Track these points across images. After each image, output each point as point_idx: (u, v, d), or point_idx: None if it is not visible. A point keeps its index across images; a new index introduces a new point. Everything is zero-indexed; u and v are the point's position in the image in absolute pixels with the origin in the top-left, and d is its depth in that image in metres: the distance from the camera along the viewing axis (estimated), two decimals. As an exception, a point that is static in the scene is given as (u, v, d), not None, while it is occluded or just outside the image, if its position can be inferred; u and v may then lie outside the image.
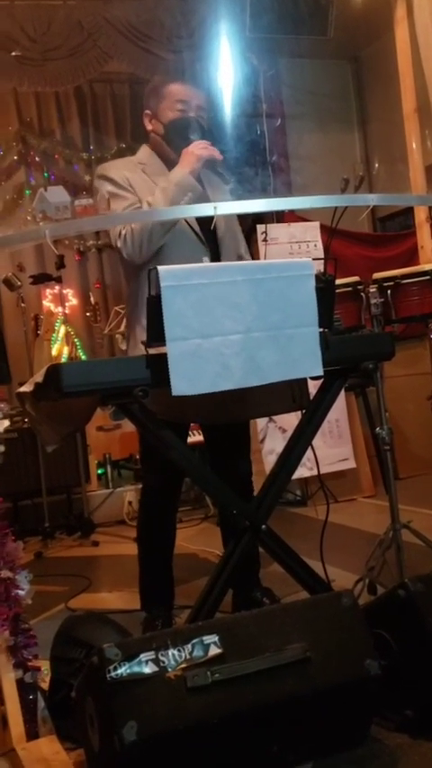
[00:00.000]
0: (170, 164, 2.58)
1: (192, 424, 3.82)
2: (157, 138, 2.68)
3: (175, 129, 2.60)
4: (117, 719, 1.55)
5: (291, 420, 3.69)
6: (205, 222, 2.57)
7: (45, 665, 2.05)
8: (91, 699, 1.67)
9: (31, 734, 1.91)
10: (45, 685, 2.03)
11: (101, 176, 2.62)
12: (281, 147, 6.07)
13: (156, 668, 1.61)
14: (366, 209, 2.18)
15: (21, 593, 1.99)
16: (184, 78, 2.66)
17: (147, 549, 2.73)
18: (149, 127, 2.70)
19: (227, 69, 2.67)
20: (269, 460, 4.42)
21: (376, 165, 6.41)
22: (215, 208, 1.93)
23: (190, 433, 4.32)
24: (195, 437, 4.38)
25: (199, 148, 2.50)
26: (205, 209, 2.01)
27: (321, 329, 1.96)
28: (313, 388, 2.18)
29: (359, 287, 2.86)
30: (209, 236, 2.59)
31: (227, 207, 2.11)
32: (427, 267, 2.87)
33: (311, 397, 2.20)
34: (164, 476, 2.58)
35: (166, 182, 2.49)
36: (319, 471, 2.45)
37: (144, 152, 2.72)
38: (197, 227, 2.56)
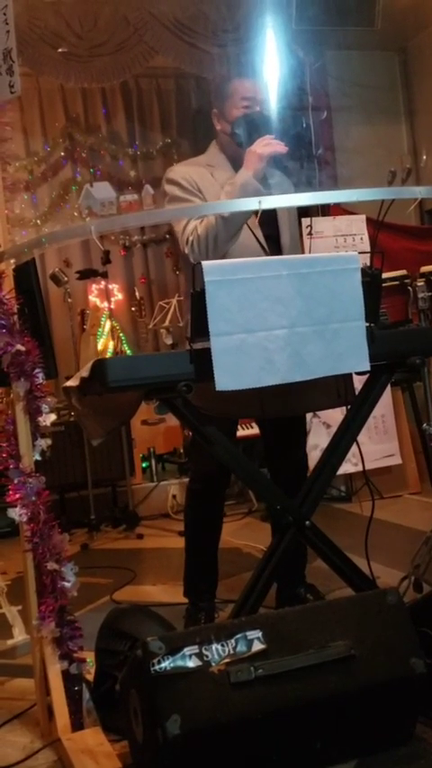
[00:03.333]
0: (238, 163, 2.54)
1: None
2: (225, 138, 2.65)
3: (240, 127, 2.56)
4: (161, 713, 1.56)
5: (335, 415, 3.66)
6: (269, 233, 2.57)
7: (90, 657, 2.08)
8: (135, 692, 1.68)
9: (76, 725, 1.93)
10: (90, 677, 2.05)
11: (169, 180, 2.61)
12: (327, 140, 6.02)
13: (199, 662, 1.62)
14: (414, 202, 2.14)
15: (67, 584, 2.01)
16: (246, 72, 2.62)
17: (193, 541, 2.74)
18: (218, 126, 2.67)
19: (272, 62, 2.64)
20: (313, 456, 4.38)
21: (424, 158, 6.31)
22: (260, 202, 1.91)
23: (242, 426, 4.33)
24: (249, 430, 4.39)
25: (261, 146, 2.46)
26: (249, 204, 2.00)
27: (367, 324, 1.94)
28: (359, 383, 2.16)
29: (406, 281, 2.82)
30: (271, 247, 2.57)
31: (272, 201, 2.09)
32: None
33: (357, 393, 2.18)
34: (211, 466, 2.59)
35: (231, 185, 2.47)
36: (364, 467, 2.43)
37: (212, 151, 2.70)
38: (262, 239, 2.54)
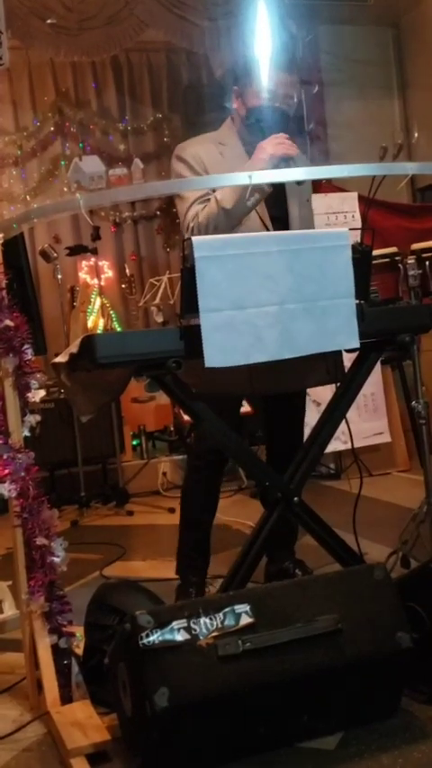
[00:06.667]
0: (249, 146, 2.50)
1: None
2: (239, 118, 2.60)
3: (255, 117, 2.50)
4: (149, 686, 1.57)
5: (325, 393, 3.67)
6: (276, 214, 2.54)
7: (79, 632, 2.09)
8: (123, 665, 1.69)
9: (66, 698, 1.94)
10: (79, 651, 2.06)
11: (179, 158, 2.56)
12: (318, 115, 5.97)
13: (187, 636, 1.63)
14: (405, 179, 2.13)
15: (56, 560, 2.02)
16: (281, 63, 2.52)
17: (188, 517, 2.74)
18: (234, 104, 2.61)
19: (264, 36, 2.60)
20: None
21: (416, 134, 6.28)
22: (250, 177, 1.90)
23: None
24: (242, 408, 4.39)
25: (272, 145, 2.40)
26: (239, 178, 1.99)
27: (357, 301, 1.94)
28: (348, 360, 2.16)
29: (397, 258, 2.82)
30: (279, 229, 2.53)
31: (262, 176, 2.08)
32: (466, 238, 2.81)
33: (346, 370, 2.18)
34: (212, 446, 2.59)
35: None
36: (353, 445, 2.43)
37: (226, 128, 2.64)
38: (267, 219, 2.50)
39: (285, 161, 2.42)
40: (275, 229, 2.52)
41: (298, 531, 2.73)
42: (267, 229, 2.50)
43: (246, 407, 4.03)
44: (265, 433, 2.79)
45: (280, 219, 2.56)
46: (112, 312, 5.47)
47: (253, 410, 4.35)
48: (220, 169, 2.48)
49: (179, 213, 2.56)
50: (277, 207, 2.54)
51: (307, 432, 2.45)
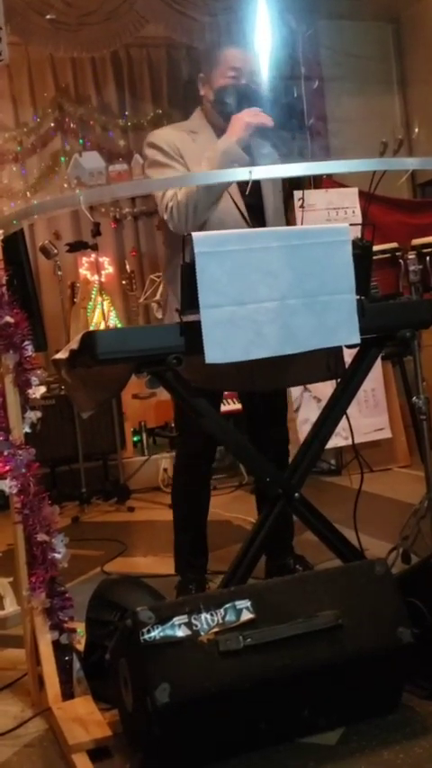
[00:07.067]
0: (221, 132, 2.50)
1: (229, 393, 3.82)
2: (208, 105, 2.61)
3: (224, 96, 2.51)
4: (150, 681, 1.57)
5: (326, 389, 3.67)
6: (252, 202, 2.54)
7: (80, 628, 2.09)
8: (125, 661, 1.69)
9: (67, 694, 1.95)
10: (80, 647, 2.06)
11: (150, 144, 2.57)
12: (319, 110, 5.95)
13: (188, 632, 1.63)
14: (405, 174, 2.13)
15: (57, 556, 2.02)
16: (239, 42, 2.56)
17: (181, 513, 2.75)
18: (201, 92, 2.62)
19: (264, 31, 2.60)
20: (303, 430, 4.40)
21: (416, 129, 6.26)
22: (250, 172, 1.90)
23: (227, 401, 4.33)
24: (232, 405, 4.39)
25: (249, 115, 2.42)
26: (240, 174, 1.98)
27: (358, 296, 1.93)
28: (349, 356, 2.16)
29: (397, 253, 2.81)
30: (255, 216, 2.55)
31: (263, 171, 2.07)
32: (467, 233, 2.81)
33: (347, 366, 2.18)
34: (198, 441, 2.59)
35: (213, 150, 2.43)
36: (353, 441, 2.43)
37: (196, 117, 2.66)
38: (243, 208, 2.51)
39: (263, 132, 2.42)
40: (251, 217, 2.52)
41: (294, 527, 2.73)
42: (243, 217, 2.50)
43: (237, 405, 4.01)
44: (248, 432, 2.76)
45: (256, 207, 2.56)
46: (112, 309, 5.46)
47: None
48: (194, 154, 2.49)
49: (155, 197, 2.55)
50: (253, 195, 2.54)
51: (308, 428, 2.44)
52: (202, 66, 2.64)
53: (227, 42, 2.59)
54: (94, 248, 4.90)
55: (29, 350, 2.06)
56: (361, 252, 1.94)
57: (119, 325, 5.39)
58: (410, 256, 2.77)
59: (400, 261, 2.80)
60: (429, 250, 2.75)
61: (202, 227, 2.44)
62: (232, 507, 4.09)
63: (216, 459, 2.89)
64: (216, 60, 2.56)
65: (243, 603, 1.69)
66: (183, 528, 2.74)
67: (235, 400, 4.26)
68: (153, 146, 2.55)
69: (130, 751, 1.73)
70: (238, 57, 2.53)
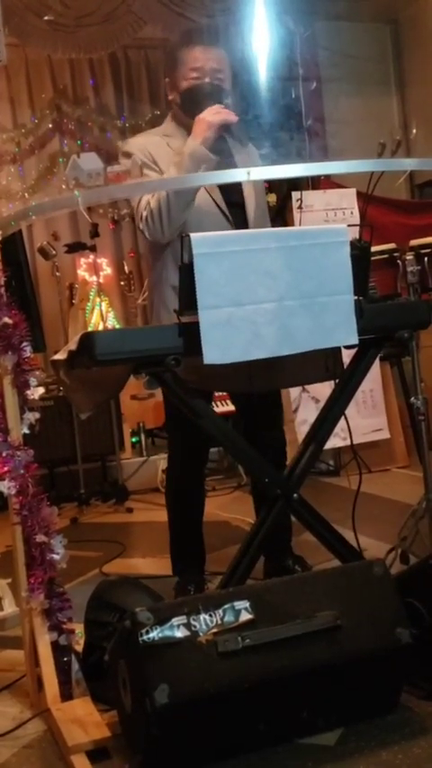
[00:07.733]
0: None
1: (223, 394, 3.82)
2: (177, 108, 2.59)
3: (189, 98, 2.49)
4: (149, 682, 1.57)
5: (324, 390, 3.67)
6: (233, 200, 2.53)
7: (79, 629, 2.09)
8: (123, 662, 1.69)
9: (66, 695, 1.95)
10: (79, 648, 2.06)
11: (125, 153, 2.55)
12: (317, 111, 5.95)
13: (187, 632, 1.63)
14: (403, 175, 2.13)
15: (56, 557, 2.02)
16: (197, 40, 2.51)
17: (176, 514, 2.75)
18: (170, 96, 2.60)
19: (262, 32, 2.60)
20: (302, 430, 4.40)
21: (414, 130, 6.27)
22: (248, 173, 1.90)
23: (220, 402, 4.33)
24: (226, 407, 4.38)
25: (210, 114, 2.38)
26: (238, 175, 1.98)
27: (356, 297, 1.94)
28: (347, 357, 2.16)
29: (395, 254, 2.81)
30: (236, 215, 2.53)
31: (261, 172, 2.07)
32: (465, 234, 2.81)
33: (345, 367, 2.18)
34: (189, 442, 2.59)
35: (180, 155, 2.40)
36: (352, 441, 2.43)
37: (168, 122, 2.65)
38: (224, 206, 2.49)
39: (228, 130, 2.40)
40: (232, 215, 2.51)
41: (293, 528, 2.73)
42: (225, 216, 2.49)
43: (230, 407, 4.00)
44: (243, 435, 2.75)
45: (237, 205, 2.55)
46: (110, 310, 5.46)
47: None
48: (169, 158, 2.47)
49: (134, 208, 2.54)
50: (230, 192, 2.53)
51: (306, 429, 2.45)
52: (166, 71, 2.60)
53: (185, 43, 2.54)
54: (93, 249, 4.90)
55: (27, 351, 2.06)
56: (359, 253, 1.95)
57: (117, 326, 5.39)
58: (408, 257, 2.77)
59: (399, 262, 2.80)
60: (427, 251, 2.75)
61: (180, 231, 2.43)
62: (231, 508, 4.09)
63: (215, 460, 2.90)
64: (176, 63, 2.53)
65: (242, 604, 1.69)
66: (178, 529, 2.74)
67: (227, 402, 4.26)
68: (126, 154, 2.54)
69: (128, 752, 1.73)
70: (197, 56, 2.48)
